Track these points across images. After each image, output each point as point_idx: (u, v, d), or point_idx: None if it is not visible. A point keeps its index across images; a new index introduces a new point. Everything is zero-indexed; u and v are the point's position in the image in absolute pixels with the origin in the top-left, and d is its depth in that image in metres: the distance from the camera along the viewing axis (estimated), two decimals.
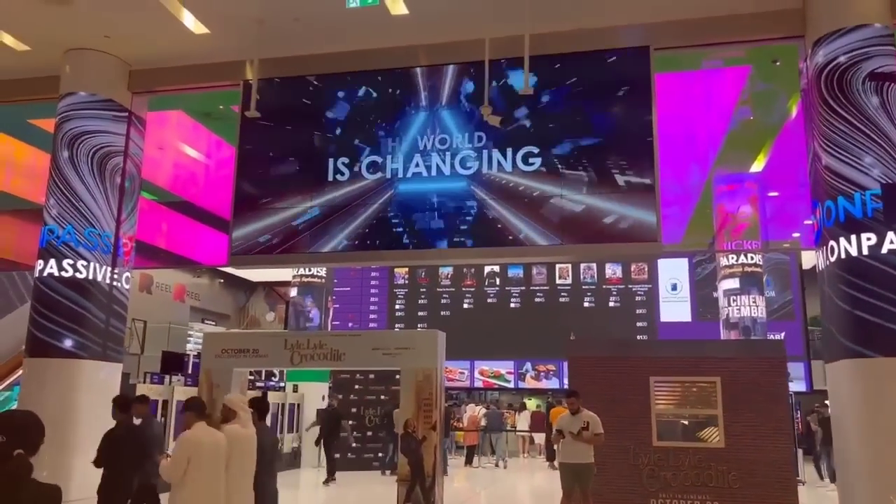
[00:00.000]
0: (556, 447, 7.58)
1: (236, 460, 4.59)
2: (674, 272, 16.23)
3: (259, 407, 5.45)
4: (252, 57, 8.20)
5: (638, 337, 15.79)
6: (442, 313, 16.84)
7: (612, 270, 16.44)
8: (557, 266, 16.58)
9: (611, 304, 16.30)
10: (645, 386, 8.59)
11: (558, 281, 16.63)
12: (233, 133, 9.02)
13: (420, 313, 17.05)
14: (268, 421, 13.86)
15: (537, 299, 16.64)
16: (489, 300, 16.82)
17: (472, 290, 16.98)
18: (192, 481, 4.26)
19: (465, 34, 7.74)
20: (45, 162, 9.01)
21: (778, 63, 8.69)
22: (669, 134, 8.38)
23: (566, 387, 15.65)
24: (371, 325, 17.34)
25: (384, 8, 7.44)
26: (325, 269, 15.76)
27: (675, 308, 16.11)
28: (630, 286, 16.34)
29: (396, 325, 17.18)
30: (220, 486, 4.39)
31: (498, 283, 16.86)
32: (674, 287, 16.19)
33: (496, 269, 16.82)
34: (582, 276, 16.56)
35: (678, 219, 10.99)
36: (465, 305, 16.83)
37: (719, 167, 11.34)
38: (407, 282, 17.55)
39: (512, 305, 16.67)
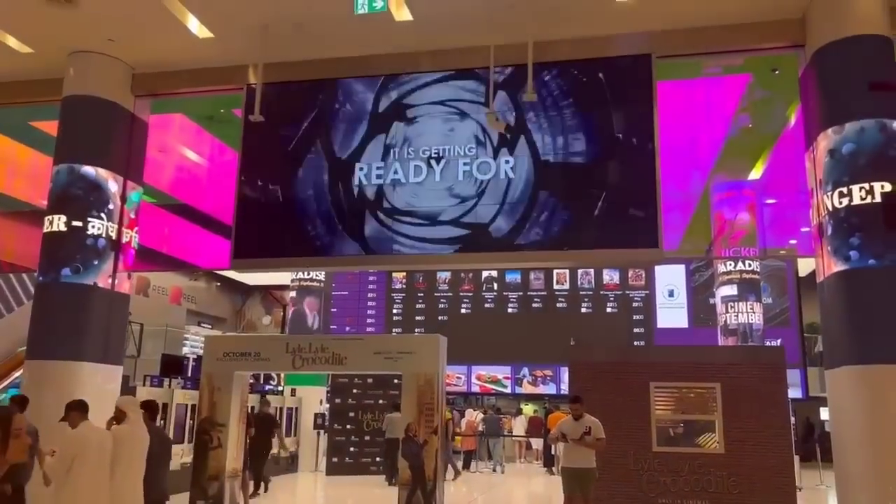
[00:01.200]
0: (554, 449, 7.62)
1: (125, 459, 4.73)
2: (671, 278, 16.31)
3: (149, 408, 5.72)
4: (256, 61, 8.24)
5: (634, 343, 15.86)
6: (440, 318, 16.88)
7: (610, 276, 16.53)
8: (555, 272, 16.65)
9: (608, 309, 16.38)
10: (645, 391, 8.64)
11: (556, 286, 16.71)
12: (234, 137, 9.04)
13: (418, 318, 17.10)
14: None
15: (535, 304, 16.71)
16: (487, 305, 16.89)
17: (470, 294, 17.03)
18: (77, 478, 4.34)
19: (470, 41, 7.79)
20: (46, 164, 9.01)
21: (777, 72, 8.77)
22: (669, 141, 8.44)
23: (563, 392, 15.75)
24: (369, 329, 17.35)
25: (389, 14, 7.48)
26: (323, 273, 15.79)
27: (672, 314, 16.19)
28: (627, 292, 16.43)
29: (394, 330, 17.21)
30: (104, 484, 4.50)
31: (496, 288, 16.93)
32: (671, 293, 16.27)
33: (494, 274, 16.89)
34: (580, 282, 16.64)
35: (676, 225, 11.05)
36: (463, 310, 16.88)
37: (718, 174, 11.42)
38: (405, 286, 17.60)
39: (510, 310, 16.74)
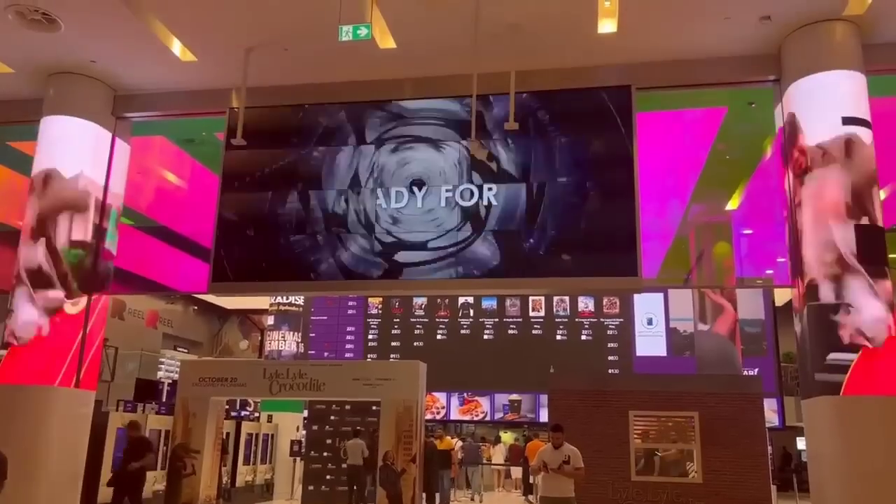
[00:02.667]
0: (532, 478, 7.57)
1: None
2: (649, 307, 16.40)
3: None
4: (238, 85, 8.24)
5: (610, 371, 15.87)
6: (415, 344, 16.80)
7: (585, 304, 16.59)
8: (531, 299, 16.67)
9: (583, 337, 16.41)
10: (624, 420, 8.65)
11: (531, 313, 16.73)
12: (215, 160, 8.99)
13: (393, 343, 17.01)
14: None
15: (510, 331, 16.71)
16: (462, 332, 16.85)
17: (446, 321, 16.99)
18: None
19: (453, 69, 7.86)
20: (24, 185, 8.91)
21: (753, 105, 8.95)
22: (648, 170, 8.55)
23: (541, 420, 15.70)
24: (347, 354, 17.23)
25: (373, 42, 7.54)
26: (303, 297, 15.69)
27: (651, 343, 16.25)
28: (602, 320, 16.49)
29: (369, 356, 17.09)
30: None
31: (472, 314, 16.90)
32: (650, 321, 16.35)
33: (470, 300, 16.88)
34: (555, 309, 16.67)
35: (655, 254, 11.15)
36: (439, 336, 16.82)
37: (695, 203, 11.55)
38: (380, 311, 17.50)
39: (485, 337, 16.71)
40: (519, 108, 7.52)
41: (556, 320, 16.53)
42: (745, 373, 13.84)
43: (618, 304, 16.45)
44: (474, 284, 8.19)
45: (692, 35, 7.65)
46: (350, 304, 17.39)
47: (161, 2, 7.40)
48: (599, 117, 7.93)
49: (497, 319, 16.81)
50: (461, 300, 16.87)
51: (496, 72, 7.39)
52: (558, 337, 16.40)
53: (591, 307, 16.51)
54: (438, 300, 16.92)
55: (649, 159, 8.81)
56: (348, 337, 17.38)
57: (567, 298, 16.55)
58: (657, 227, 11.05)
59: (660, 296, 16.19)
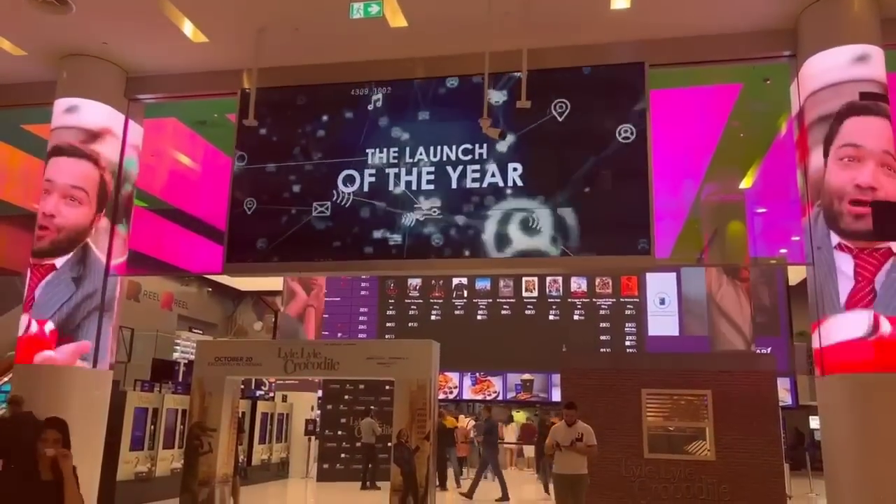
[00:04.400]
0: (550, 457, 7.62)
1: None
2: (662, 286, 16.34)
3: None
4: (251, 66, 8.22)
5: (602, 350, 15.86)
6: (432, 318, 16.89)
7: (577, 284, 16.56)
8: (547, 279, 16.65)
9: (598, 316, 16.38)
10: (637, 398, 8.65)
11: (531, 293, 16.70)
12: (228, 142, 9.00)
13: (388, 324, 17.10)
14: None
15: (528, 311, 16.71)
16: (457, 312, 16.92)
17: (463, 301, 17.01)
18: None
19: (465, 48, 7.80)
20: (38, 168, 8.96)
21: (769, 81, 8.82)
22: (661, 149, 8.48)
23: (553, 399, 15.75)
24: (360, 335, 17.32)
25: (384, 21, 7.49)
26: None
27: (663, 322, 16.20)
28: (595, 300, 16.44)
29: (359, 335, 17.15)
30: None
31: (466, 295, 16.95)
32: (662, 301, 16.29)
33: (464, 281, 16.90)
34: (548, 289, 16.63)
35: (668, 233, 11.09)
36: (433, 317, 16.91)
37: (709, 182, 11.47)
38: (397, 292, 17.56)
39: (479, 317, 16.78)
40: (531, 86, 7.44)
41: (570, 300, 16.52)
42: (758, 351, 13.80)
43: (610, 284, 16.43)
44: (485, 264, 8.17)
45: (706, 9, 7.52)
46: (363, 284, 17.44)
47: None
48: (613, 95, 7.85)
49: (514, 300, 16.84)
50: (455, 281, 16.89)
51: (508, 50, 7.32)
52: (575, 317, 16.41)
53: (585, 287, 16.52)
54: (433, 281, 16.97)
55: (663, 138, 8.73)
56: (361, 318, 17.44)
57: (584, 279, 16.55)
58: (670, 206, 11.00)
59: (672, 275, 16.13)
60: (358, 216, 8.18)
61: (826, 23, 7.26)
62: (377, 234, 8.11)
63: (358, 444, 13.81)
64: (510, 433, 17.84)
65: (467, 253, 7.87)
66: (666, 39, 7.93)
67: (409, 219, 8.05)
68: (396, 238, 8.04)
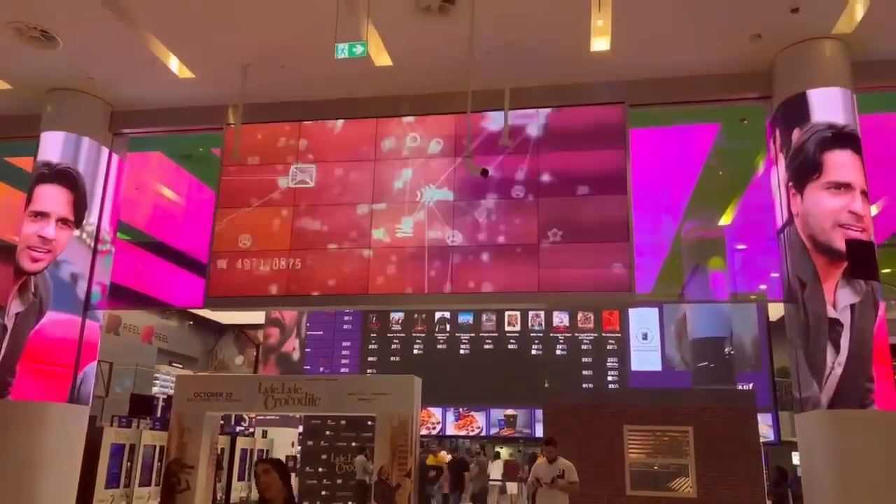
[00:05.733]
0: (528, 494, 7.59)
1: None
2: (644, 322, 16.42)
3: None
4: (236, 101, 8.29)
5: (585, 385, 15.87)
6: (392, 359, 16.84)
7: (560, 319, 16.62)
8: (530, 314, 16.68)
9: (558, 352, 16.45)
10: (619, 434, 8.64)
11: (513, 328, 16.73)
12: (212, 176, 9.03)
13: (370, 359, 17.04)
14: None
15: (486, 346, 16.76)
16: (439, 346, 16.89)
17: (446, 335, 16.99)
18: None
19: (448, 86, 7.93)
20: (20, 201, 8.92)
21: (745, 121, 9.04)
22: (642, 186, 8.61)
23: (537, 435, 15.68)
24: (343, 370, 17.20)
25: (370, 60, 7.61)
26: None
27: (646, 357, 16.25)
28: (578, 335, 16.49)
29: (368, 371, 17.05)
30: None
31: (448, 329, 16.96)
32: (644, 336, 16.36)
33: (446, 315, 16.91)
34: (531, 324, 16.67)
35: (649, 269, 11.20)
36: (415, 351, 16.87)
37: (689, 219, 11.64)
38: (350, 326, 17.48)
39: (461, 352, 16.77)
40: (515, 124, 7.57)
41: (553, 335, 16.54)
42: (740, 387, 13.86)
43: (592, 319, 16.52)
44: (468, 300, 8.23)
45: (684, 53, 7.74)
46: (346, 318, 17.38)
47: (159, 19, 7.47)
48: (594, 133, 8.00)
49: (497, 334, 16.84)
50: (437, 315, 16.91)
51: (491, 89, 7.46)
52: (558, 352, 16.43)
53: (566, 322, 16.59)
54: (415, 315, 16.98)
55: (644, 175, 8.88)
56: (344, 352, 17.34)
57: (566, 314, 16.61)
58: (651, 242, 11.13)
59: (654, 310, 16.23)
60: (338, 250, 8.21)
61: (800, 66, 7.49)
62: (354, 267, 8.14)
63: (338, 482, 13.64)
64: (495, 470, 17.65)
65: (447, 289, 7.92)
66: (645, 80, 8.12)
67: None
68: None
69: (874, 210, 8.15)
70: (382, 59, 7.85)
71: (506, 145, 7.43)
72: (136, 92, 8.75)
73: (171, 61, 8.11)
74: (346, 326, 17.33)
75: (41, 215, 8.40)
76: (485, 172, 7.69)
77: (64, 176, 8.54)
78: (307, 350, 16.82)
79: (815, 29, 7.31)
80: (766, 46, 7.56)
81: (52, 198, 8.46)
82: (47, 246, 8.32)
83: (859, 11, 7.05)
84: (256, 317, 17.62)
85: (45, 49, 7.76)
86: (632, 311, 16.17)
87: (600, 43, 7.59)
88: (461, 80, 7.37)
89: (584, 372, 16.12)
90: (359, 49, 6.56)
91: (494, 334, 16.67)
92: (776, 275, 8.01)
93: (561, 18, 7.20)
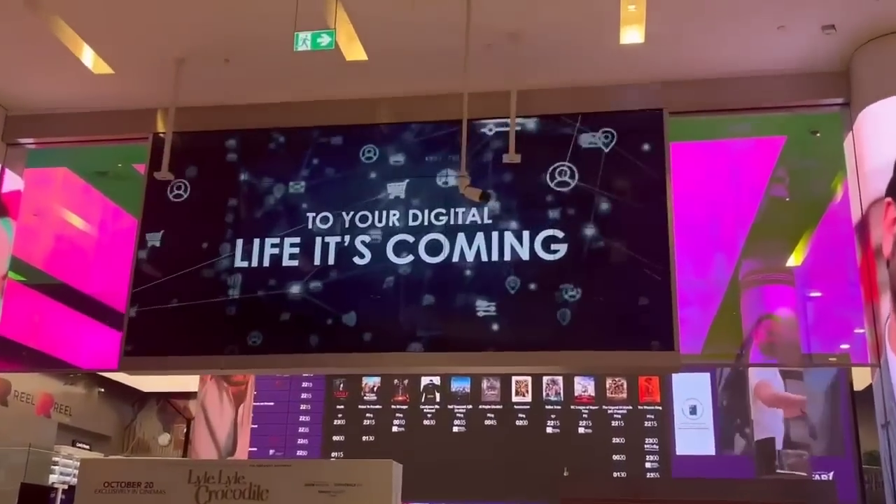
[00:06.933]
0: None
1: None
2: (692, 391, 16.38)
3: None
4: (167, 105, 8.36)
5: (616, 474, 15.72)
6: (364, 438, 16.62)
7: (584, 387, 16.51)
8: (513, 379, 16.56)
9: (581, 429, 16.31)
10: None
11: (523, 398, 16.62)
12: (134, 199, 9.06)
13: (336, 438, 16.83)
14: None
15: (487, 422, 16.59)
16: (426, 422, 16.71)
17: (434, 408, 16.85)
18: None
19: (438, 87, 8.04)
20: None
21: (818, 134, 9.16)
22: (686, 217, 8.68)
23: None
24: (300, 452, 17.04)
25: (338, 53, 7.70)
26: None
27: (694, 438, 16.17)
28: (606, 407, 16.36)
29: (298, 452, 16.85)
30: None
31: (438, 399, 16.80)
32: (693, 410, 16.30)
33: (436, 380, 16.76)
34: (545, 393, 16.54)
35: (698, 323, 11.22)
36: (395, 428, 16.64)
37: (747, 259, 11.69)
38: (310, 396, 17.29)
39: (455, 429, 16.56)
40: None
41: (574, 408, 16.43)
42: (817, 477, 13.78)
43: (624, 387, 16.41)
44: (465, 360, 8.25)
45: (738, 47, 7.84)
46: (305, 384, 17.26)
47: None
48: (623, 149, 8.10)
49: (501, 406, 16.74)
50: (424, 381, 16.79)
51: (493, 91, 7.55)
52: (581, 430, 16.29)
53: (625, 392, 16.42)
54: (395, 381, 16.84)
55: (689, 203, 8.96)
56: (301, 429, 17.19)
57: (591, 381, 16.49)
58: (699, 288, 11.17)
59: (706, 376, 16.19)
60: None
61: (881, 65, 7.61)
62: (328, 321, 8.15)
63: None
64: None
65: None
66: (689, 81, 8.24)
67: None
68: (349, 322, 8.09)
69: None
70: (355, 51, 7.95)
71: (512, 162, 7.49)
72: (38, 91, 8.83)
73: (85, 53, 8.19)
74: (304, 395, 17.21)
75: None
76: (485, 197, 7.73)
77: None
78: (253, 426, 16.68)
79: None
80: (841, 41, 7.67)
81: None
82: None
83: None
84: (188, 382, 17.50)
85: None
86: (676, 378, 16.13)
87: (632, 33, 7.69)
88: (455, 79, 7.45)
89: (615, 456, 15.99)
90: (324, 40, 6.65)
91: (498, 406, 16.56)
92: (861, 330, 8.04)
93: (582, 2, 7.32)
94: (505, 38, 7.49)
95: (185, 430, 21.15)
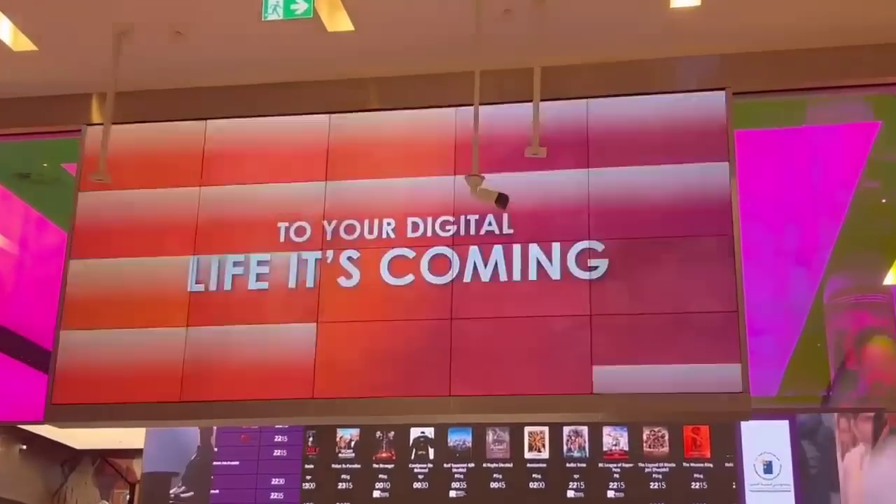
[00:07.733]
0: None
1: None
2: (766, 443, 16.33)
3: None
4: (104, 89, 8.38)
5: None
6: None
7: (614, 440, 16.39)
8: (565, 430, 16.56)
9: (611, 493, 16.18)
10: None
11: (538, 454, 16.48)
12: (63, 207, 9.09)
13: None
14: None
15: (494, 484, 16.49)
16: (417, 484, 16.65)
17: (390, 466, 16.73)
18: None
19: (442, 64, 8.07)
20: None
21: None
22: (756, 222, 8.66)
23: None
24: None
25: (318, 22, 7.72)
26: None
27: (770, 502, 16.13)
28: (643, 465, 16.26)
29: None
30: None
31: (432, 456, 16.73)
32: (768, 468, 16.27)
33: (429, 432, 16.66)
34: (567, 447, 16.47)
35: (773, 358, 11.18)
36: (377, 493, 16.58)
37: (834, 275, 11.65)
38: (285, 452, 17.25)
39: (453, 493, 16.50)
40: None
41: (603, 466, 16.33)
42: None
43: (666, 439, 16.31)
44: (468, 406, 8.24)
45: (817, 10, 7.81)
46: (277, 439, 17.28)
47: None
48: (676, 140, 8.10)
49: (511, 465, 16.72)
50: (414, 433, 16.73)
51: (510, 68, 7.57)
52: (611, 493, 16.23)
53: (666, 445, 16.33)
54: (378, 433, 16.78)
55: (760, 205, 8.94)
56: (275, 494, 17.22)
57: (624, 432, 16.42)
58: (774, 313, 11.14)
59: (784, 424, 16.16)
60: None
61: None
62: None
63: None
64: None
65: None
66: (758, 54, 8.23)
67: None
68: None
69: None
70: (339, 21, 7.96)
71: (535, 156, 7.51)
72: None
73: (1, 26, 8.24)
74: (277, 452, 17.24)
75: None
76: (503, 200, 7.73)
77: None
78: (213, 491, 16.71)
79: None
80: None
81: None
82: None
83: None
84: (132, 437, 17.53)
85: None
86: (745, 428, 16.08)
87: None
88: (463, 54, 7.48)
89: None
90: (301, 6, 6.68)
91: (507, 465, 16.50)
92: None
93: None
94: (527, 4, 7.49)
95: (127, 496, 21.23)
